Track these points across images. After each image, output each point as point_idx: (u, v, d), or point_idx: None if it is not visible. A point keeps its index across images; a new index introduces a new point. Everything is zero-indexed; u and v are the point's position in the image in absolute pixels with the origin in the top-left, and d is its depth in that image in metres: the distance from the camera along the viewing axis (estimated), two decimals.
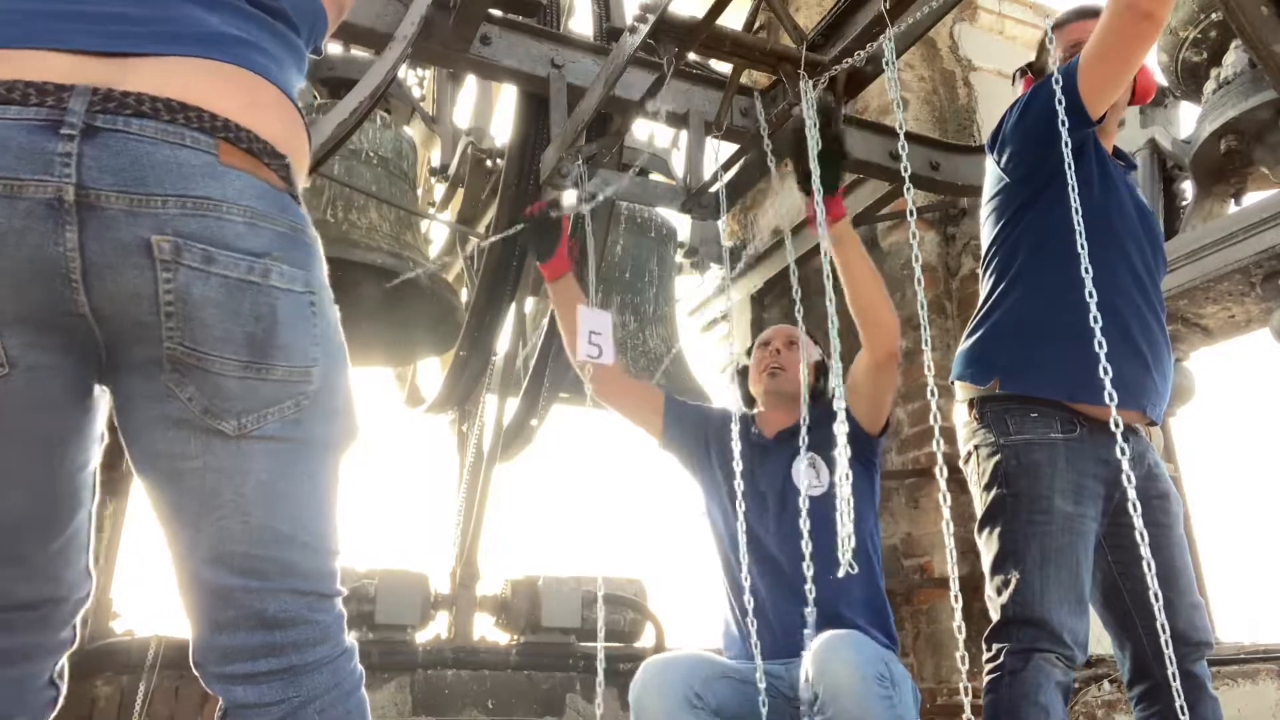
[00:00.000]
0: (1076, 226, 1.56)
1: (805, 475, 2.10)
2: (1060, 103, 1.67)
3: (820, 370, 2.33)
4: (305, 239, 1.02)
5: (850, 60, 2.15)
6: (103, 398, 1.02)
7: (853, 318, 2.05)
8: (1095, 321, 1.49)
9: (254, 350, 0.95)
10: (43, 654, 1.01)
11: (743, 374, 2.42)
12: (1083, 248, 1.54)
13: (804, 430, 1.99)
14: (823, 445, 1.96)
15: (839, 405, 1.57)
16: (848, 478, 1.47)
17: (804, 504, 1.87)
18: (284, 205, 1.00)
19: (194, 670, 1.00)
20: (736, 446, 2.01)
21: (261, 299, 0.95)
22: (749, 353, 2.42)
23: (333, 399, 1.03)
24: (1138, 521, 1.44)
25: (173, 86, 0.95)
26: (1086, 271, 1.53)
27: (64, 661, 1.04)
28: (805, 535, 1.79)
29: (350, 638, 1.05)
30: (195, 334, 0.92)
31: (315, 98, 3.61)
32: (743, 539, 1.95)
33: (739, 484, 2.04)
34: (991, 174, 1.97)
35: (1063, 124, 1.66)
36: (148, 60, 0.96)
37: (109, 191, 0.89)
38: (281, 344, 0.96)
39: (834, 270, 1.84)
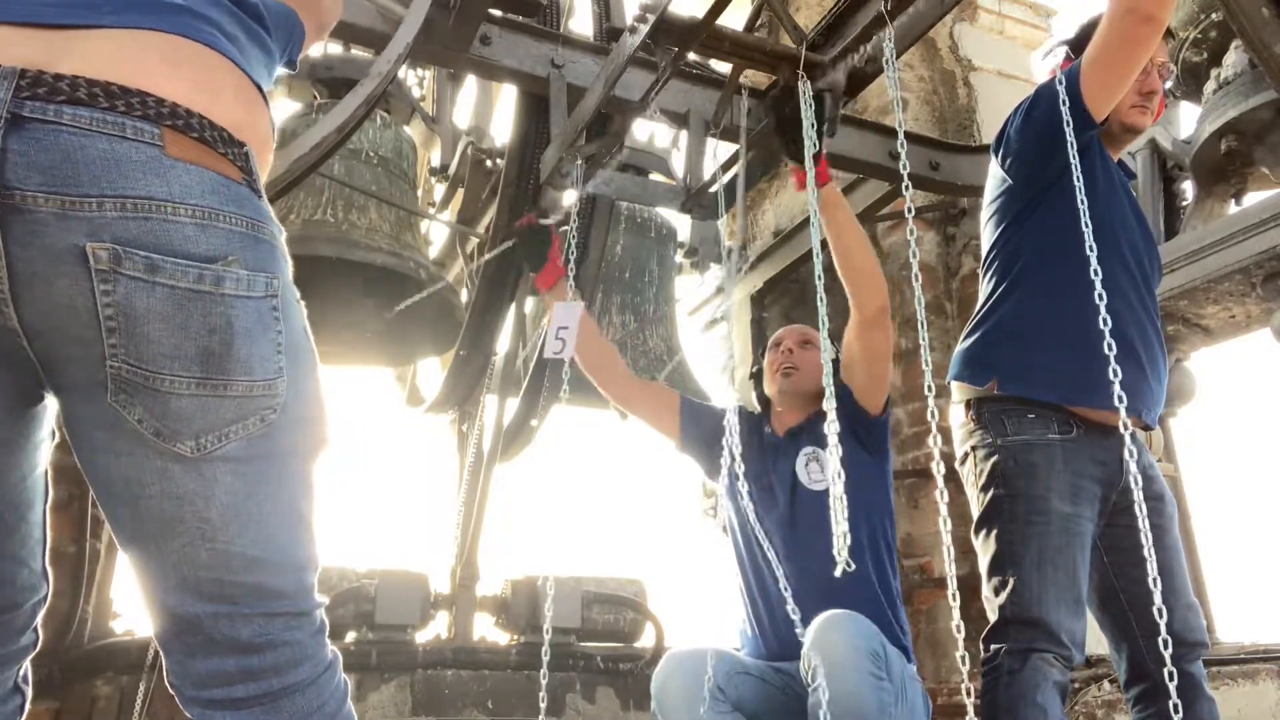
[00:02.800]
0: (1084, 229, 1.56)
1: (809, 469, 2.11)
2: (1064, 105, 1.68)
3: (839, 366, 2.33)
4: (266, 236, 0.92)
5: (850, 61, 2.16)
6: (50, 403, 0.95)
7: (842, 281, 2.07)
8: (1105, 324, 1.50)
9: (208, 366, 0.86)
10: (5, 661, 0.96)
11: (757, 376, 2.42)
12: (1092, 249, 1.55)
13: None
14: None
15: (829, 405, 1.57)
16: (840, 476, 1.47)
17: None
18: (241, 200, 0.90)
19: (170, 691, 0.95)
20: (733, 441, 2.01)
21: (215, 310, 0.86)
22: (762, 354, 2.41)
23: (302, 407, 0.95)
24: (1138, 495, 1.45)
25: (114, 67, 0.85)
26: (1096, 274, 1.53)
27: (28, 666, 0.99)
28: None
29: (332, 649, 0.99)
30: (141, 351, 0.83)
31: (315, 97, 3.62)
32: (759, 534, 1.95)
33: (742, 482, 2.05)
34: (994, 176, 1.97)
35: (1067, 125, 1.66)
36: (91, 34, 0.86)
37: (36, 192, 0.79)
38: (240, 357, 0.88)
39: (825, 254, 1.84)
